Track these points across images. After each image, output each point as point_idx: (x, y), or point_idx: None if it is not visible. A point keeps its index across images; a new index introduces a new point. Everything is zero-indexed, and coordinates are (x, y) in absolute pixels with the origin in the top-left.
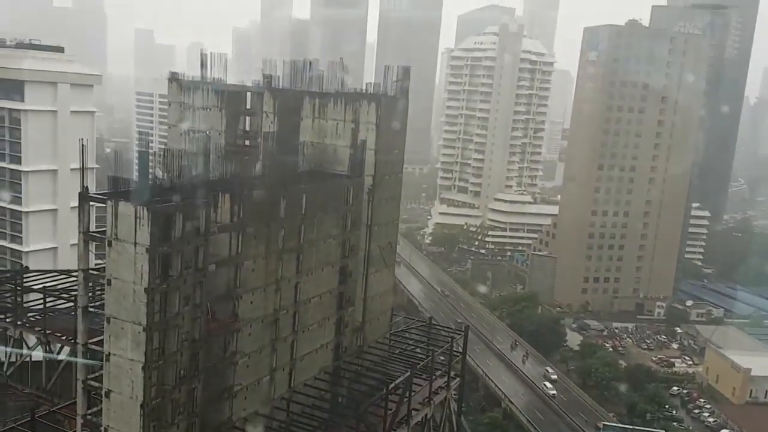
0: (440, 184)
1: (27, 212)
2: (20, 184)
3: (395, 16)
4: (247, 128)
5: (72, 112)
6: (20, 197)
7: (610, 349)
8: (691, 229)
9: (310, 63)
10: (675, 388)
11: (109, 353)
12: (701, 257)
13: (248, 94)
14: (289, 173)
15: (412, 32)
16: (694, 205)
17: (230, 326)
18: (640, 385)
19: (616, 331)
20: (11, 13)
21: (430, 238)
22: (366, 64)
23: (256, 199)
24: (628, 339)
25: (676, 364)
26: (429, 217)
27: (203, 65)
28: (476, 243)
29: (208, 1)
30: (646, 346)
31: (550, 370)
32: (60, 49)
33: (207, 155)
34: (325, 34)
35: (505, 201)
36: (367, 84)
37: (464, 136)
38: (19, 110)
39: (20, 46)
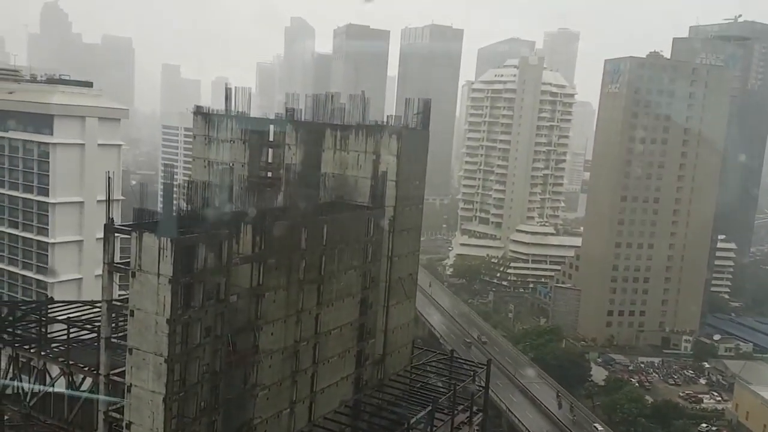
0: (461, 215)
1: (53, 243)
2: (47, 216)
3: (416, 50)
4: (270, 160)
5: (99, 145)
6: (47, 229)
7: (636, 384)
8: (717, 262)
9: (332, 96)
10: (704, 425)
11: (131, 385)
12: (728, 290)
13: (271, 126)
14: (310, 204)
15: (433, 65)
16: (720, 237)
17: (251, 358)
18: (667, 421)
19: (642, 365)
20: (43, 50)
21: (451, 269)
22: (387, 97)
23: (278, 230)
24: (654, 374)
25: (705, 400)
26: (450, 248)
27: (228, 99)
28: (498, 275)
29: (233, 37)
30: (673, 382)
31: (600, 428)
32: (88, 85)
33: (230, 187)
34: (347, 67)
35: (527, 232)
36: (388, 116)
37: (485, 168)
38: (48, 143)
39: (50, 81)
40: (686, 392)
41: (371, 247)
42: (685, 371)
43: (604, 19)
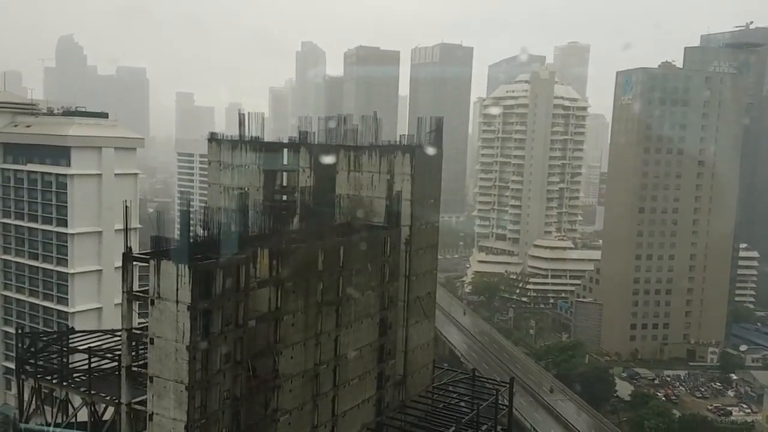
0: (478, 232)
1: (73, 274)
2: (66, 247)
3: (426, 69)
4: (285, 184)
5: (116, 174)
6: (66, 259)
7: (663, 398)
8: (740, 271)
9: (345, 118)
10: None
11: (153, 413)
12: (753, 300)
13: (285, 150)
14: (326, 226)
15: (444, 84)
16: (742, 245)
17: (271, 383)
18: None
19: (668, 379)
20: (59, 83)
21: (469, 287)
22: (399, 116)
23: (294, 253)
24: (681, 387)
25: (734, 413)
26: (467, 265)
27: (241, 124)
28: (517, 291)
29: (246, 64)
30: (700, 395)
31: None
32: (104, 115)
33: (246, 211)
34: (359, 89)
35: (545, 247)
36: (401, 136)
37: (500, 183)
38: (65, 175)
39: (67, 113)
40: (714, 405)
41: (388, 267)
42: (712, 383)
43: (614, 31)
